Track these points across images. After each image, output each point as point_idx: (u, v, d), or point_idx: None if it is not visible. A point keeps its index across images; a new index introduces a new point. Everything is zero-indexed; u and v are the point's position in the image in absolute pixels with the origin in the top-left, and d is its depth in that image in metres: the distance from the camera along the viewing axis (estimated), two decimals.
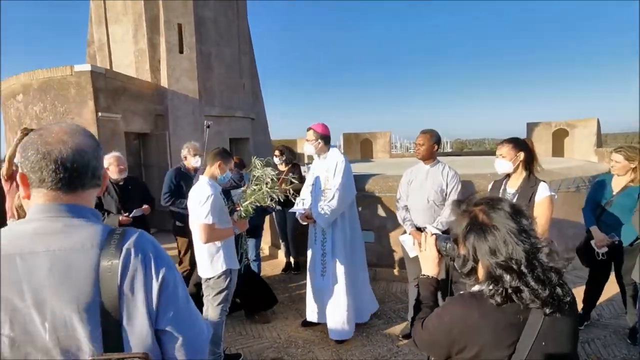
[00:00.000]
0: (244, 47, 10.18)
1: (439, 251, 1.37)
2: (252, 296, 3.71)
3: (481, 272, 1.15)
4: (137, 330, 0.86)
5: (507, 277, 1.05)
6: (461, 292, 1.18)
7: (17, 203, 2.89)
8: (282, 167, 4.79)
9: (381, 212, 4.62)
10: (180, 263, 4.17)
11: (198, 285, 3.04)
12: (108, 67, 8.30)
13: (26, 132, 4.04)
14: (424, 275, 1.41)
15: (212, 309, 2.77)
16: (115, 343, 0.84)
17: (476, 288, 1.14)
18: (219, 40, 9.28)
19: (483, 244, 1.10)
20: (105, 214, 3.68)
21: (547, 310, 1.04)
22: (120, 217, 3.63)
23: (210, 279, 2.76)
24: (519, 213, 1.13)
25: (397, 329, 3.45)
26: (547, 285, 1.04)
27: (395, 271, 4.61)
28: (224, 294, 2.77)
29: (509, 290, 1.04)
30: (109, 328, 0.83)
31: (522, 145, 2.60)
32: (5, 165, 3.58)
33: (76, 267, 0.83)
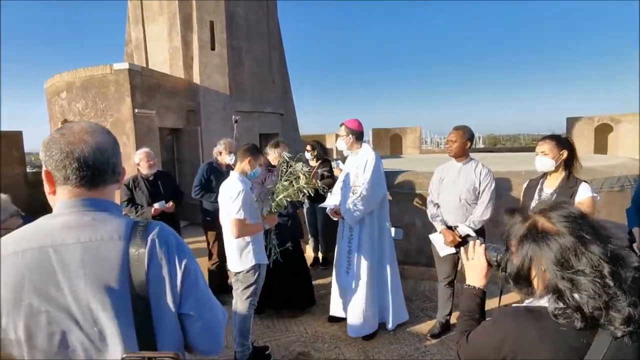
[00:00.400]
0: (274, 43, 10.26)
1: (488, 262, 1.28)
2: (295, 291, 3.77)
3: (538, 285, 1.03)
4: (164, 313, 0.93)
5: (581, 292, 0.90)
6: (515, 305, 1.07)
7: None
8: (314, 163, 4.80)
9: (410, 209, 4.56)
10: (211, 256, 4.28)
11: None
12: (144, 65, 8.61)
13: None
14: (469, 285, 1.33)
15: (240, 302, 2.84)
16: (145, 328, 0.90)
17: (534, 303, 1.03)
18: (250, 36, 9.40)
19: (546, 253, 0.97)
20: (139, 207, 3.84)
21: (619, 333, 0.88)
22: (152, 209, 3.80)
23: (239, 273, 2.82)
24: (585, 217, 1.00)
25: (425, 327, 3.40)
26: (636, 304, 0.88)
27: (424, 269, 4.54)
28: (252, 288, 2.83)
29: (586, 310, 0.89)
30: (139, 311, 0.89)
31: (565, 143, 2.50)
32: None
33: (106, 257, 0.89)
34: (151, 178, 3.96)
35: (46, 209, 0.99)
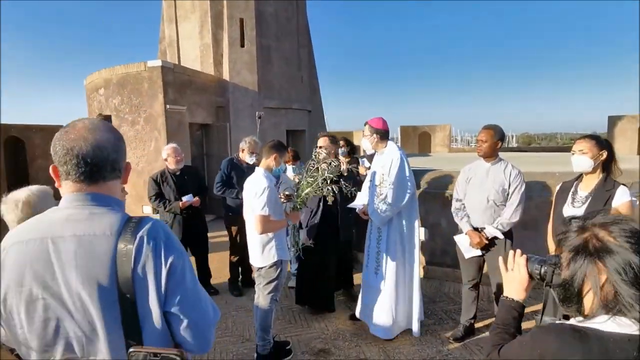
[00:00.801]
0: (303, 40, 10.28)
1: (530, 274, 1.19)
2: (318, 290, 3.75)
3: (593, 303, 0.94)
4: (150, 310, 0.94)
5: None
6: (559, 322, 0.99)
7: None
8: (345, 158, 4.69)
9: (436, 208, 4.47)
10: (232, 250, 4.36)
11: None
12: (177, 62, 8.85)
13: (101, 118, 4.47)
14: (507, 297, 1.24)
15: (262, 297, 2.88)
16: (131, 323, 0.92)
17: (584, 323, 0.95)
18: (279, 34, 9.47)
19: (612, 264, 0.90)
20: (167, 201, 3.97)
21: None
22: (180, 203, 3.91)
23: (261, 268, 2.86)
24: None
25: (448, 330, 3.33)
26: None
27: (449, 270, 4.45)
28: (274, 283, 2.86)
29: None
30: (125, 307, 0.91)
31: (604, 144, 2.38)
32: None
33: (97, 251, 0.91)
34: (178, 173, 4.08)
35: None
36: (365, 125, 3.24)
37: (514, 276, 1.22)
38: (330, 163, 3.07)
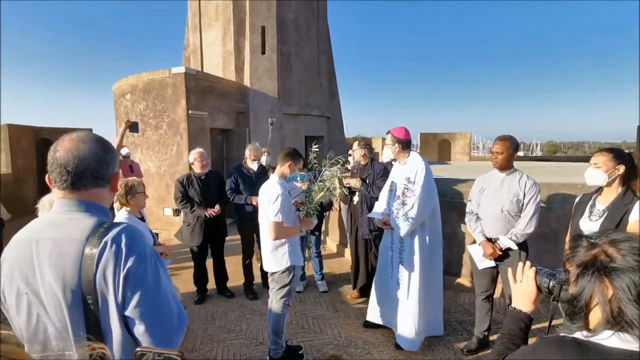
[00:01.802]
0: (323, 47, 10.39)
1: (538, 287, 1.19)
2: None
3: (600, 319, 0.93)
4: (109, 314, 0.97)
5: None
6: (561, 335, 0.98)
7: (119, 192, 3.22)
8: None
9: (452, 218, 4.43)
10: (245, 254, 4.48)
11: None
12: (200, 69, 9.09)
13: (129, 123, 4.64)
14: (515, 308, 1.24)
15: (275, 302, 2.93)
16: (94, 325, 0.98)
17: (587, 338, 0.94)
18: (299, 41, 9.61)
19: (618, 282, 0.89)
20: (196, 205, 4.13)
21: None
22: (207, 212, 4.07)
23: (274, 273, 2.91)
24: None
25: (462, 342, 3.29)
26: None
27: (465, 281, 4.39)
28: (286, 288, 2.90)
29: None
30: (87, 309, 0.97)
31: (624, 157, 2.30)
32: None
33: (67, 253, 0.97)
34: (203, 177, 4.22)
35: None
36: (387, 134, 3.26)
37: (522, 288, 1.22)
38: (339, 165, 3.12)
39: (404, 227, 3.08)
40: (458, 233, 4.40)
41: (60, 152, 1.04)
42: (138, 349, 0.69)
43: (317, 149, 3.05)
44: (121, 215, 2.90)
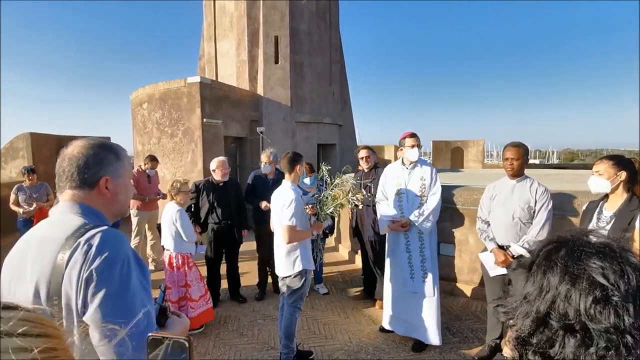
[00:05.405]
0: (335, 55, 10.51)
1: None
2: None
3: None
4: (75, 315, 0.95)
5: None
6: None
7: (168, 188, 3.71)
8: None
9: (464, 225, 4.42)
10: (259, 258, 4.66)
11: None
12: (214, 78, 9.29)
13: (150, 158, 5.06)
14: None
15: (287, 306, 2.98)
16: (63, 324, 0.99)
17: None
18: (311, 50, 9.74)
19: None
20: (200, 219, 4.28)
21: None
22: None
23: (286, 277, 2.97)
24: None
25: (474, 350, 3.27)
26: None
27: (476, 288, 4.36)
28: (298, 292, 2.95)
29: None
30: (54, 308, 0.95)
31: (625, 163, 2.31)
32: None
33: (46, 254, 0.98)
34: (221, 184, 4.35)
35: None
36: (412, 136, 3.33)
37: None
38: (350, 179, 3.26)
39: (428, 225, 3.27)
40: (469, 240, 4.38)
41: (61, 156, 1.11)
42: (150, 334, 0.69)
43: (329, 168, 3.29)
44: (172, 207, 3.65)
